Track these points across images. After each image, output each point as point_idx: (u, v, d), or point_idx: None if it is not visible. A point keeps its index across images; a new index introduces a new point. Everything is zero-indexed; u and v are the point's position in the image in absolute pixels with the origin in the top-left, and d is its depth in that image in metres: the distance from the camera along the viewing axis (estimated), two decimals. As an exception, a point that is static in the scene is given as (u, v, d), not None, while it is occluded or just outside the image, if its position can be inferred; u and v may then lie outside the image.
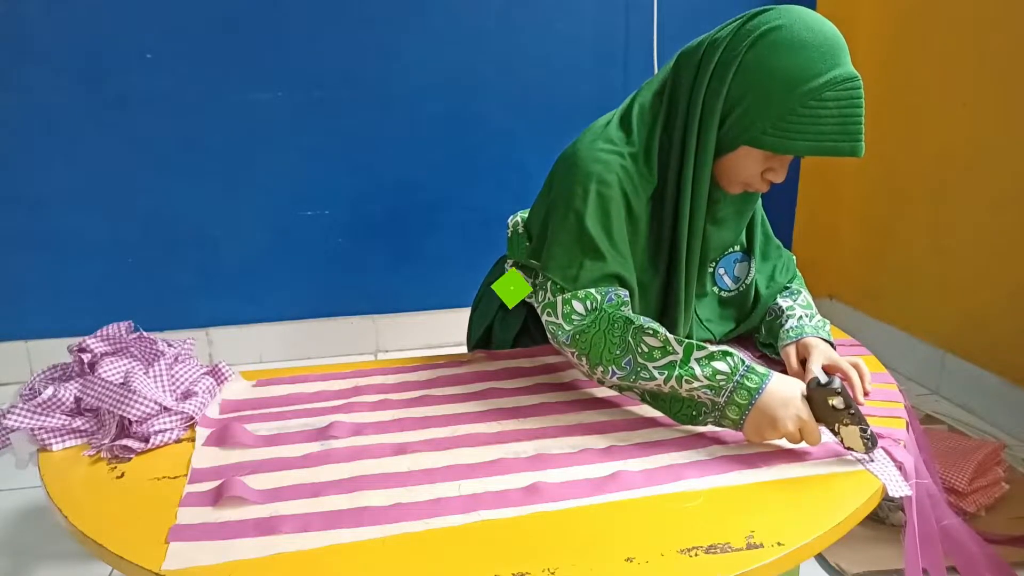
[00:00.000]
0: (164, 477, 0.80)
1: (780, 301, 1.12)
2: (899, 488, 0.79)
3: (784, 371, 1.02)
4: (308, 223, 2.27)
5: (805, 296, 1.14)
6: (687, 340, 0.88)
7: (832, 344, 1.04)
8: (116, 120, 2.07)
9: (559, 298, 0.96)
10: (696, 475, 0.80)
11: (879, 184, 2.33)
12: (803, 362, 1.02)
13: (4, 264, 2.12)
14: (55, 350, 2.12)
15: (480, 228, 2.34)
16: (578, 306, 0.95)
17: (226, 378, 0.99)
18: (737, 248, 1.12)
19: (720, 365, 0.86)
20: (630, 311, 0.97)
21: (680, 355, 0.87)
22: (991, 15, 1.89)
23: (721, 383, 0.85)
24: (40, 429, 0.84)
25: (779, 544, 0.69)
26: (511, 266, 1.13)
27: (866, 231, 2.41)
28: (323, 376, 1.04)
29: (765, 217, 1.18)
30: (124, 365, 0.90)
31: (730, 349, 0.88)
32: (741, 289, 1.13)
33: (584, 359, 0.94)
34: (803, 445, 0.85)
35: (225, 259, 2.25)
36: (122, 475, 0.80)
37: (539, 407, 0.95)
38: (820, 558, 1.40)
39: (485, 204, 2.32)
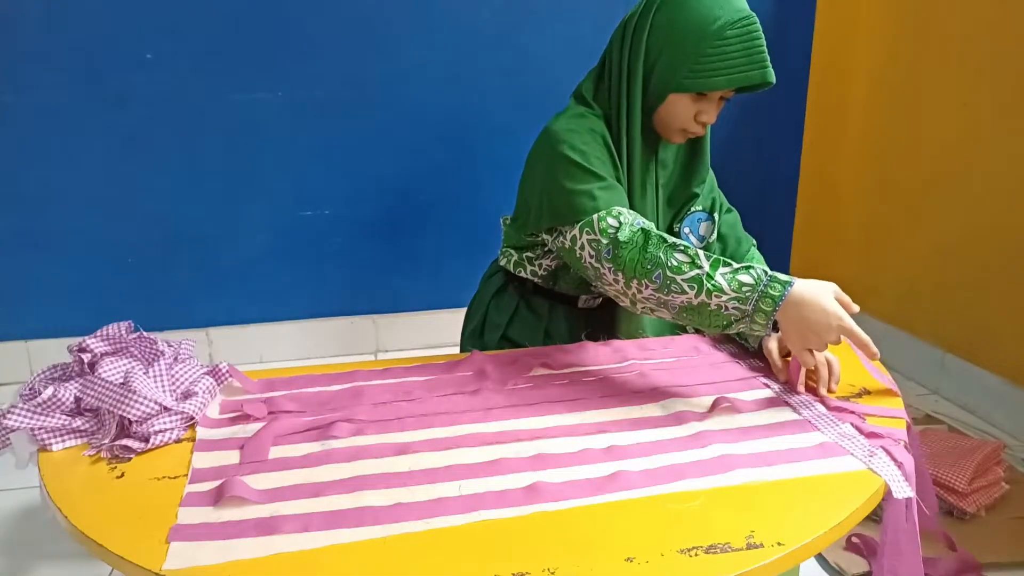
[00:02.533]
0: (164, 477, 0.80)
1: None
2: (902, 490, 0.79)
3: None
4: (308, 223, 2.27)
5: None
6: (714, 256, 0.94)
7: None
8: (116, 120, 2.07)
9: (594, 216, 1.02)
10: (696, 475, 0.80)
11: (879, 184, 2.33)
12: (787, 355, 1.04)
13: (4, 264, 2.12)
14: (55, 350, 2.12)
15: (480, 228, 2.34)
16: (611, 221, 1.01)
17: (226, 378, 0.99)
18: (700, 208, 1.22)
19: (744, 277, 0.92)
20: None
21: (706, 269, 0.93)
22: (991, 15, 1.89)
23: (747, 294, 0.91)
24: (40, 429, 0.84)
25: (779, 544, 0.69)
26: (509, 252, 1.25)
27: (866, 231, 2.41)
28: (323, 376, 1.04)
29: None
30: (124, 365, 0.90)
31: (753, 264, 0.94)
32: (704, 247, 1.22)
33: (620, 275, 0.98)
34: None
35: (225, 259, 2.25)
36: (122, 475, 0.80)
37: (539, 407, 0.95)
38: (820, 558, 1.40)
39: (485, 204, 2.32)
